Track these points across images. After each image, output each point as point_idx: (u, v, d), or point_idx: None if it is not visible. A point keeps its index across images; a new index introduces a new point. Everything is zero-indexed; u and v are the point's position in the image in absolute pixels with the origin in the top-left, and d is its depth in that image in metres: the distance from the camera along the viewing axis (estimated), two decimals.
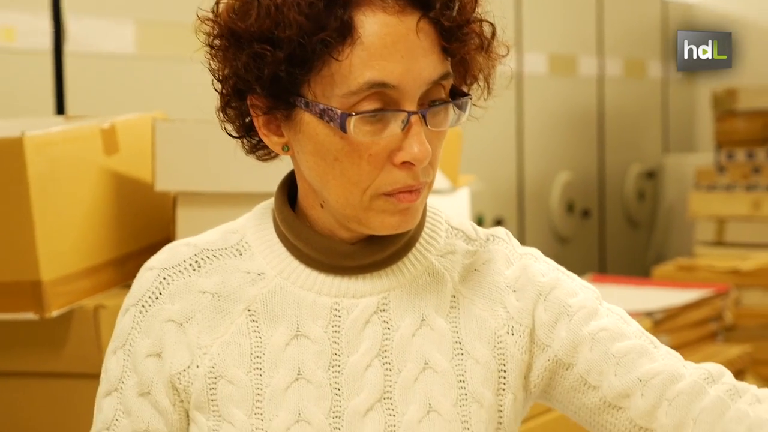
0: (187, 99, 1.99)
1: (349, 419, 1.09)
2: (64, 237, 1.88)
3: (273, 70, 1.03)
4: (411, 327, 1.12)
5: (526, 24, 4.28)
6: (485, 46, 1.09)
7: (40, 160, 1.82)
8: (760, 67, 4.89)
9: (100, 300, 1.88)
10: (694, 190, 4.70)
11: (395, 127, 1.04)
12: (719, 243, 4.55)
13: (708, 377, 1.12)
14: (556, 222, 4.59)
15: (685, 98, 5.57)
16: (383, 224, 1.08)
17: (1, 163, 1.81)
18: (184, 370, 1.11)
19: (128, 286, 1.18)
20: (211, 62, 1.09)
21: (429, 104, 1.06)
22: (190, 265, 1.13)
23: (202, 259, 1.14)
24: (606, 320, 1.15)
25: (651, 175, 5.24)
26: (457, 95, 1.09)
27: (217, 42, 1.08)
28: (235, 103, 1.10)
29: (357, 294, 1.12)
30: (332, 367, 1.10)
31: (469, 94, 1.09)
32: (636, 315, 3.08)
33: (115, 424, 1.13)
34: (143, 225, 2.09)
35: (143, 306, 1.13)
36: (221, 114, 1.12)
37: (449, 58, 1.07)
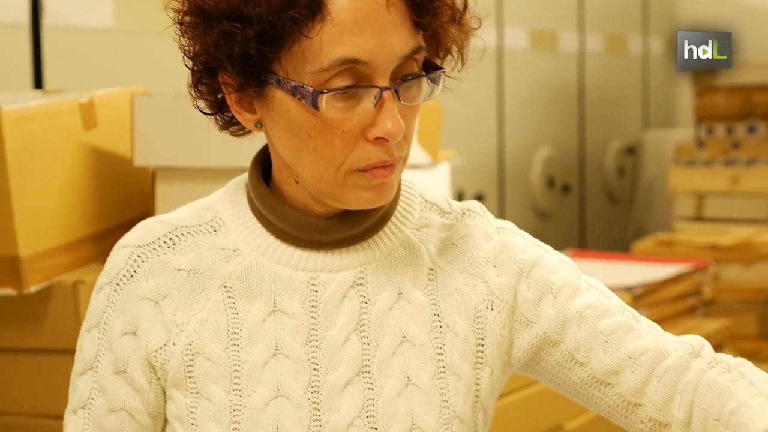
0: (166, 73, 1.98)
1: (327, 394, 1.09)
2: (42, 212, 1.87)
3: (243, 47, 1.03)
4: (388, 300, 1.12)
5: None
6: (457, 18, 1.08)
7: (17, 135, 1.81)
8: (740, 43, 4.89)
9: (79, 275, 1.88)
10: (674, 165, 4.71)
11: (368, 103, 1.04)
12: (698, 218, 4.57)
13: (691, 352, 1.15)
14: (537, 197, 4.60)
15: (666, 74, 5.58)
16: (358, 200, 1.08)
17: None
18: (161, 348, 1.10)
19: None
20: (182, 39, 1.09)
21: (402, 79, 1.06)
22: (165, 242, 1.13)
23: (176, 236, 1.13)
24: (589, 296, 1.16)
25: (631, 150, 5.25)
26: (430, 69, 1.08)
27: (187, 19, 1.07)
28: (206, 80, 1.09)
29: (333, 268, 1.12)
30: (310, 342, 1.10)
31: (443, 68, 1.09)
32: (616, 290, 3.08)
33: (90, 403, 1.13)
34: (122, 200, 2.08)
35: (118, 284, 1.12)
36: (193, 90, 1.11)
37: (421, 32, 1.06)
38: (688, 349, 1.15)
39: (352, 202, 1.08)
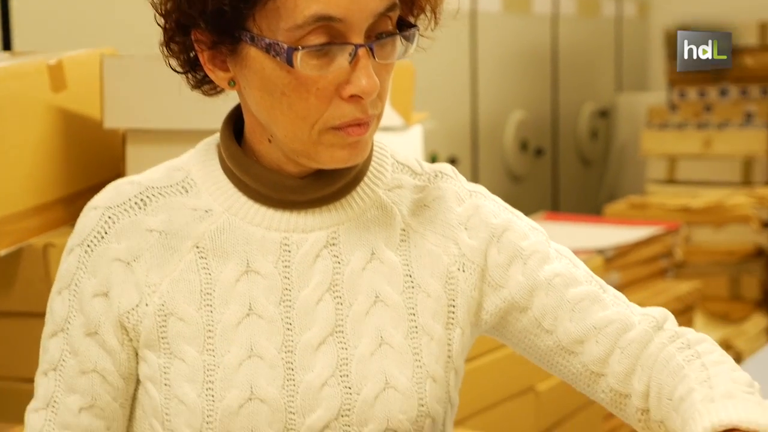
0: (136, 35, 1.95)
1: (301, 353, 1.09)
2: (11, 175, 1.85)
3: (217, 4, 1.02)
4: (361, 261, 1.12)
5: None
6: None
7: None
8: (711, 4, 4.91)
9: (49, 238, 1.87)
10: (647, 128, 4.73)
11: (342, 60, 1.03)
12: (670, 181, 4.60)
13: (655, 325, 1.15)
14: (510, 161, 4.60)
15: (639, 37, 5.59)
16: (333, 158, 1.07)
17: None
18: (133, 309, 1.10)
19: None
20: None
21: (376, 37, 1.05)
22: (136, 203, 1.12)
23: (147, 197, 1.12)
24: (558, 264, 1.17)
25: (604, 113, 5.26)
26: (404, 27, 1.08)
27: None
28: (179, 38, 1.08)
29: (306, 229, 1.11)
30: (283, 302, 1.10)
31: (416, 26, 1.08)
32: (588, 252, 3.11)
33: (61, 365, 1.12)
34: (92, 163, 2.07)
35: (88, 245, 1.11)
36: (165, 49, 1.10)
37: None
38: (651, 321, 1.15)
39: (327, 160, 1.07)
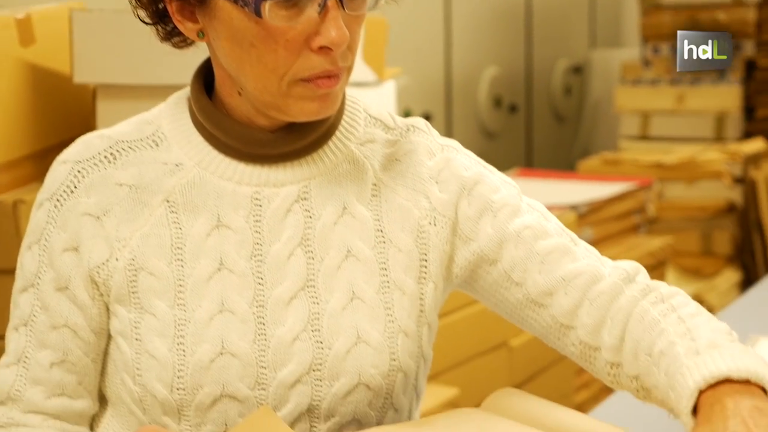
0: None
1: (272, 308, 1.09)
2: None
3: None
4: (332, 215, 1.12)
5: None
6: None
7: None
8: None
9: (19, 195, 1.85)
10: (620, 84, 4.73)
11: (311, 11, 1.02)
12: (644, 137, 4.61)
13: (626, 277, 1.14)
14: (484, 117, 4.60)
15: None
16: (302, 110, 1.06)
17: None
18: (103, 264, 1.09)
19: None
20: None
21: None
22: (105, 157, 1.11)
23: (117, 151, 1.11)
24: (529, 217, 1.16)
25: (578, 69, 5.26)
26: None
27: None
28: None
29: (277, 183, 1.11)
30: (254, 256, 1.10)
31: None
32: (561, 208, 3.12)
33: (32, 320, 1.11)
34: (63, 118, 2.05)
35: (58, 200, 1.11)
36: (133, 0, 1.09)
37: None
38: (622, 274, 1.14)
39: (296, 113, 1.07)
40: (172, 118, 1.13)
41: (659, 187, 4.10)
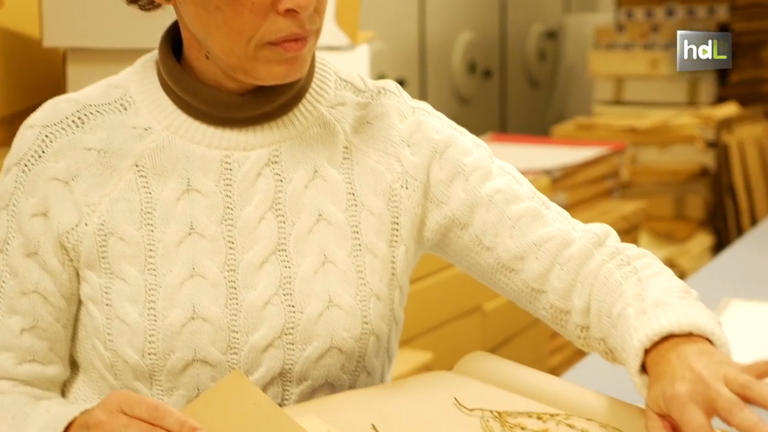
0: None
1: (243, 272, 1.09)
2: None
3: None
4: (303, 179, 1.11)
5: None
6: None
7: None
8: None
9: None
10: (594, 49, 4.73)
11: None
12: (617, 102, 4.62)
13: (596, 241, 1.14)
14: (458, 82, 4.59)
15: None
16: (270, 74, 1.05)
17: None
18: (72, 229, 1.08)
19: None
20: None
21: None
22: (73, 121, 1.10)
23: (85, 115, 1.10)
24: (500, 180, 1.16)
25: (552, 34, 5.25)
26: None
27: None
28: None
29: (248, 146, 1.10)
30: (225, 220, 1.09)
31: None
32: (535, 173, 3.13)
33: (1, 286, 1.11)
34: (32, 82, 2.03)
35: (26, 165, 1.09)
36: None
37: None
38: (592, 237, 1.14)
39: (264, 76, 1.06)
40: (140, 81, 1.12)
41: (632, 151, 4.12)
